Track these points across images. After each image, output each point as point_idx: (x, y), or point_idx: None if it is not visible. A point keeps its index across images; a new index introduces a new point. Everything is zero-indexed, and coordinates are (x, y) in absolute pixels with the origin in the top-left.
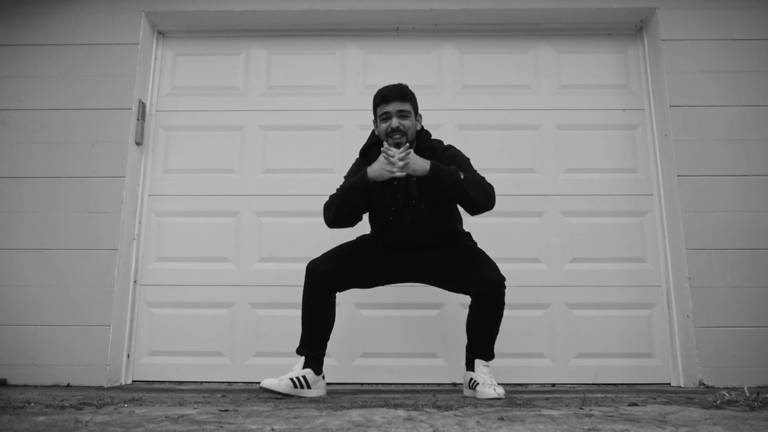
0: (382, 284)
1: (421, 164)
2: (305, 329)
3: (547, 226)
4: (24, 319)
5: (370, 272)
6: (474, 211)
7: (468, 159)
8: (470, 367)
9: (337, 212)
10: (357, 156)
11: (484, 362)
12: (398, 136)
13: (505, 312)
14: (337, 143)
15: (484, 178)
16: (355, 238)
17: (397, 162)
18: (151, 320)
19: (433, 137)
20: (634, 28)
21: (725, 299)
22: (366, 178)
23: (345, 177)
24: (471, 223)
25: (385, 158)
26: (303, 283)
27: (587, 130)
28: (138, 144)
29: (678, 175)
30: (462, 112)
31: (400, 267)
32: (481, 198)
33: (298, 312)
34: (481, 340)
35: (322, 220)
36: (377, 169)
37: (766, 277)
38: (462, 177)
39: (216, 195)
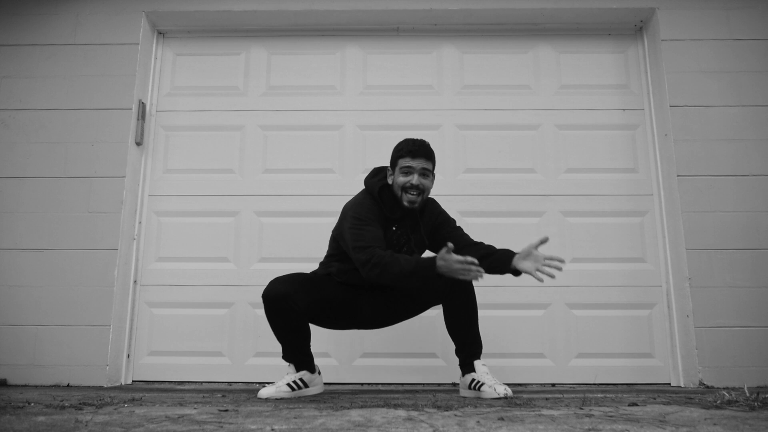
0: (339, 323)
1: None
2: (282, 344)
3: (547, 226)
4: (24, 319)
5: (330, 302)
6: None
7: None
8: (469, 368)
9: (388, 279)
10: (363, 187)
11: (482, 362)
12: (415, 193)
13: (506, 312)
14: (337, 143)
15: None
16: (314, 272)
17: (475, 271)
18: (151, 320)
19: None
20: (634, 28)
21: (725, 299)
22: (434, 270)
23: (357, 217)
24: (470, 223)
25: (463, 267)
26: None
27: (587, 130)
28: (138, 144)
29: (678, 175)
30: (462, 112)
31: (364, 302)
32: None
33: None
34: (468, 338)
35: (321, 219)
36: (452, 269)
37: (766, 277)
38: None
39: (216, 195)
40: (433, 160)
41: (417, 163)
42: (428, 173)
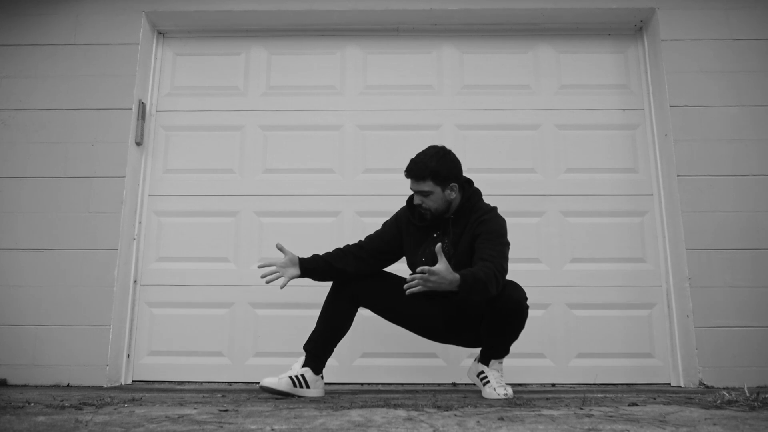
0: (404, 322)
1: (448, 280)
2: (317, 327)
3: (547, 226)
4: (24, 319)
5: (398, 298)
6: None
7: (499, 232)
8: (485, 361)
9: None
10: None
11: (500, 361)
12: (423, 209)
13: None
14: (337, 143)
15: (501, 259)
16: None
17: (417, 284)
18: (151, 320)
19: (483, 199)
20: (634, 28)
21: (725, 299)
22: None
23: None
24: None
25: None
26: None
27: (587, 130)
28: (138, 144)
29: (678, 175)
30: (462, 112)
31: (427, 311)
32: (493, 291)
33: (298, 312)
34: (499, 346)
35: (321, 219)
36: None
37: (766, 277)
38: (486, 285)
39: (216, 195)
40: (432, 177)
41: (412, 186)
42: (426, 193)
